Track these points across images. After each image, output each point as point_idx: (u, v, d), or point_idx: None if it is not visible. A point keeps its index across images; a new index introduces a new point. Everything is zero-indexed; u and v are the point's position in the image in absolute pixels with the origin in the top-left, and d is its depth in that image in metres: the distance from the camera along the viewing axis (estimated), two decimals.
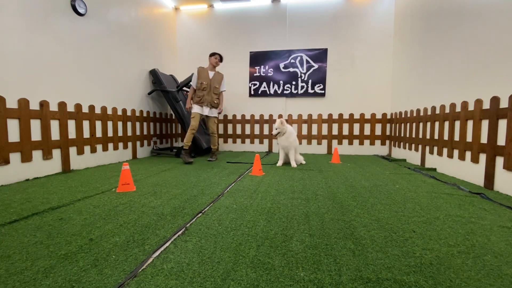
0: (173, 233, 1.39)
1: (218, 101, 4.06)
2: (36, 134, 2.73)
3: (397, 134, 4.65)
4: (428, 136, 3.54)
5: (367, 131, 5.11)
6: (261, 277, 1.00)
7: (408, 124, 4.18)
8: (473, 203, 1.93)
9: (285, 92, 5.33)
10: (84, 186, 2.37)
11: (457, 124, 2.89)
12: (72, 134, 3.16)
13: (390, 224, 1.53)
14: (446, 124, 3.09)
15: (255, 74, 5.42)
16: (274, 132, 3.52)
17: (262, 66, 5.38)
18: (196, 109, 3.92)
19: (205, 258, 1.14)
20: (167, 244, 1.27)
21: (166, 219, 1.60)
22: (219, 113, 4.10)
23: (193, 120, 3.88)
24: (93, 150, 3.46)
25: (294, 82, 5.28)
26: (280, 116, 5.35)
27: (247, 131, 5.55)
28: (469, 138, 2.69)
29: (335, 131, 5.21)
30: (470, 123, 2.68)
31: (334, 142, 5.22)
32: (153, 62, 4.80)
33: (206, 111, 3.95)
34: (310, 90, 5.23)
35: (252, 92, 5.46)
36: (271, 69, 5.34)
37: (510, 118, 2.15)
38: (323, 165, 3.67)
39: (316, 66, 5.17)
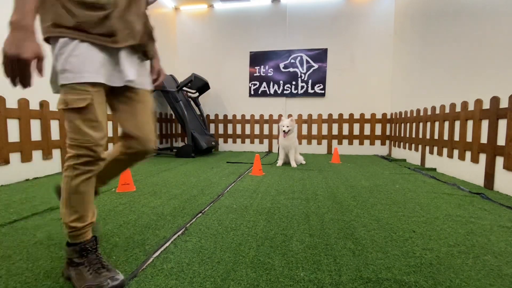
0: (173, 233, 1.39)
1: (153, 43, 1.09)
2: (36, 134, 2.73)
3: (397, 134, 4.65)
4: (428, 136, 3.54)
5: (367, 131, 5.11)
6: (261, 277, 1.00)
7: (408, 124, 4.17)
8: (473, 203, 1.93)
9: (285, 92, 5.33)
10: None
11: (457, 124, 2.89)
12: None
13: (390, 224, 1.53)
14: (446, 124, 3.09)
15: (255, 74, 5.42)
16: (286, 129, 3.43)
17: (262, 66, 5.38)
18: (88, 67, 0.88)
19: (205, 258, 1.14)
20: (167, 244, 1.27)
21: (166, 219, 1.60)
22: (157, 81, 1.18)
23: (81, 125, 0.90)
24: None
25: (294, 82, 5.28)
26: (280, 116, 5.35)
27: (247, 131, 5.54)
28: (469, 138, 2.69)
29: (335, 131, 5.21)
30: (470, 123, 2.68)
31: (334, 142, 5.22)
32: None
33: (131, 72, 0.95)
34: (310, 90, 5.23)
35: (252, 92, 5.46)
36: (271, 69, 5.34)
37: (510, 118, 2.15)
38: (323, 165, 3.67)
39: (316, 66, 5.17)
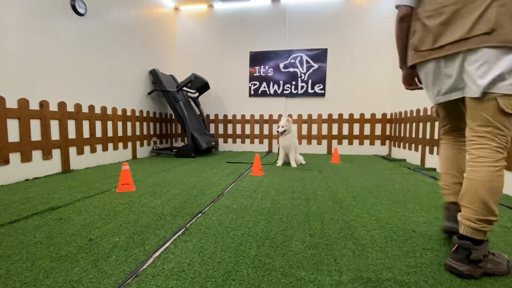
0: (173, 233, 1.39)
1: None
2: (36, 134, 2.73)
3: (397, 134, 4.65)
4: (428, 136, 3.54)
5: (367, 131, 5.11)
6: (263, 278, 1.00)
7: (408, 124, 4.18)
8: None
9: (285, 92, 5.33)
10: (84, 186, 2.37)
11: None
12: (72, 134, 3.15)
13: (390, 224, 1.53)
14: None
15: (255, 74, 5.42)
16: (281, 129, 3.40)
17: (262, 66, 5.38)
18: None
19: (206, 258, 1.14)
20: (167, 244, 1.27)
21: (166, 219, 1.60)
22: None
23: None
24: (93, 150, 3.46)
25: (294, 82, 5.28)
26: (280, 116, 5.35)
27: (247, 131, 5.54)
28: None
29: (335, 131, 5.21)
30: None
31: (334, 142, 5.22)
32: (153, 62, 4.80)
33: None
34: (310, 90, 5.23)
35: (252, 92, 5.46)
36: (271, 69, 5.34)
37: None
38: (323, 165, 3.67)
39: (316, 66, 5.17)
